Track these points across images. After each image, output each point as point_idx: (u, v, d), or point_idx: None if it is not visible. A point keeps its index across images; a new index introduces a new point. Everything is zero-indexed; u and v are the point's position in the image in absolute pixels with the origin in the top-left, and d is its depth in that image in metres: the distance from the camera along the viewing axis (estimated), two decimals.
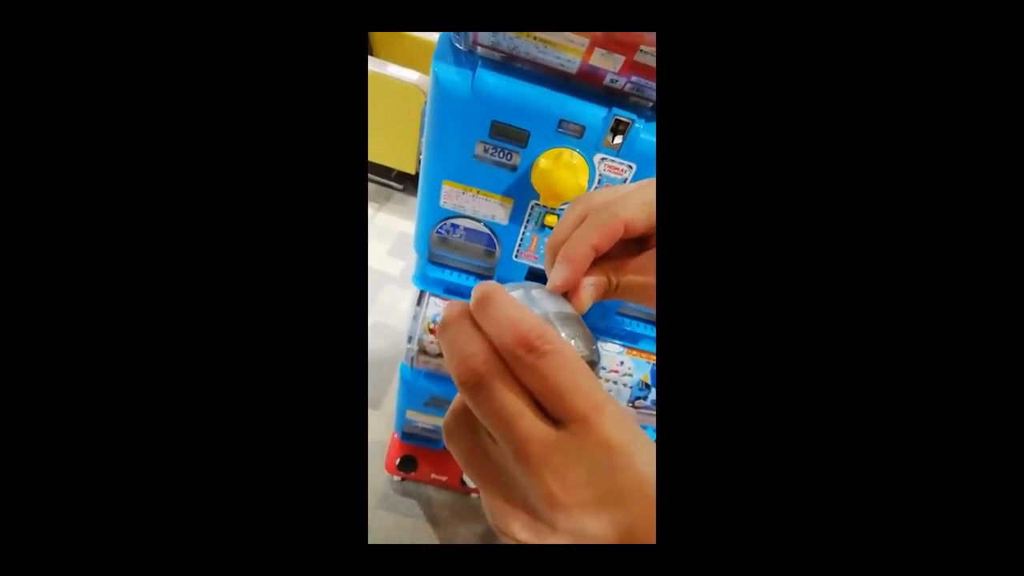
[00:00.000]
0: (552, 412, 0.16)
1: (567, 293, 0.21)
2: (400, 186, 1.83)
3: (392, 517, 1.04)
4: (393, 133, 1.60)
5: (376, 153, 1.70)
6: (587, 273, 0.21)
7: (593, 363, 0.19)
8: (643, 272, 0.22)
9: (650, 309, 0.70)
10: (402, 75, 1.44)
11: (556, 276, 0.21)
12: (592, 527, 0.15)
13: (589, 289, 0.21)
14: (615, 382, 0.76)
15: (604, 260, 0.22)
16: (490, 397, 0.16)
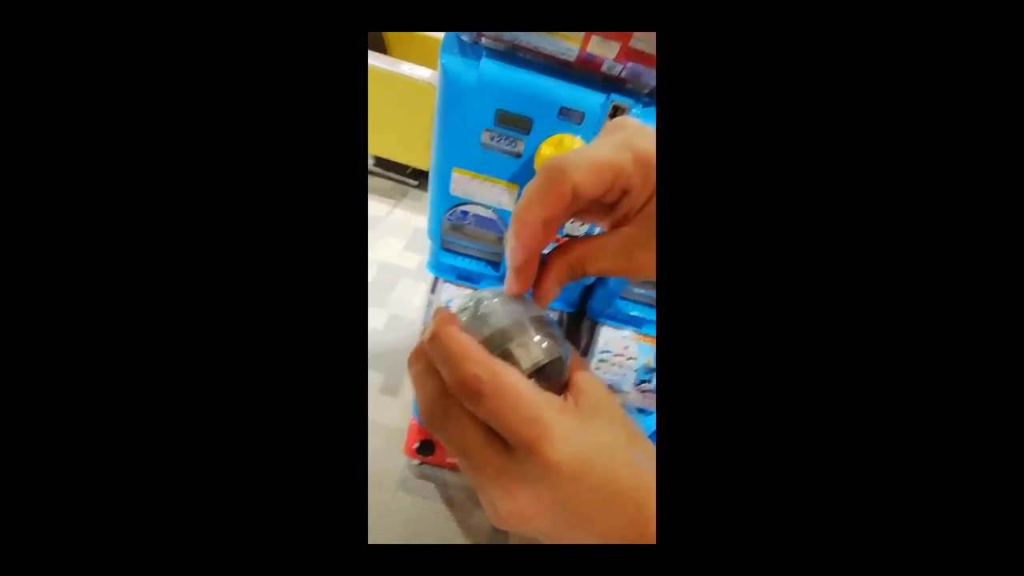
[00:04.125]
0: (503, 437, 0.17)
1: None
2: (415, 182, 1.87)
3: (411, 499, 1.08)
4: (407, 130, 1.64)
5: (391, 150, 1.74)
6: (549, 264, 0.21)
7: (551, 362, 0.19)
8: (610, 254, 0.20)
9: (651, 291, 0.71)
10: (415, 73, 1.48)
11: (509, 285, 0.21)
12: (550, 528, 0.17)
13: (549, 290, 0.21)
14: (620, 366, 0.78)
15: (568, 246, 0.21)
16: (445, 433, 0.18)
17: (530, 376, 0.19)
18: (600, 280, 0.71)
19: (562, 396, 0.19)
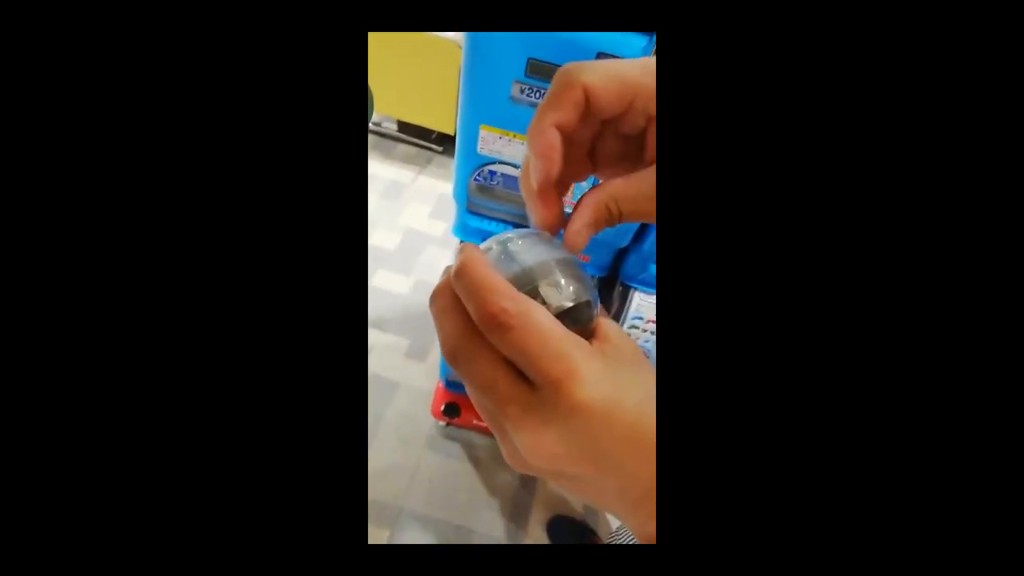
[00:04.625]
0: (528, 376, 0.17)
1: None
2: (440, 148, 1.84)
3: (438, 459, 1.12)
4: (431, 93, 1.60)
5: (415, 114, 1.71)
6: (582, 203, 0.20)
7: (579, 305, 0.19)
8: (645, 192, 0.20)
9: None
10: (439, 31, 1.42)
11: (533, 211, 0.20)
12: (573, 470, 0.17)
13: (582, 231, 0.20)
14: (653, 332, 0.76)
15: (603, 184, 0.20)
16: (467, 370, 0.17)
17: (561, 315, 0.18)
18: (634, 243, 0.69)
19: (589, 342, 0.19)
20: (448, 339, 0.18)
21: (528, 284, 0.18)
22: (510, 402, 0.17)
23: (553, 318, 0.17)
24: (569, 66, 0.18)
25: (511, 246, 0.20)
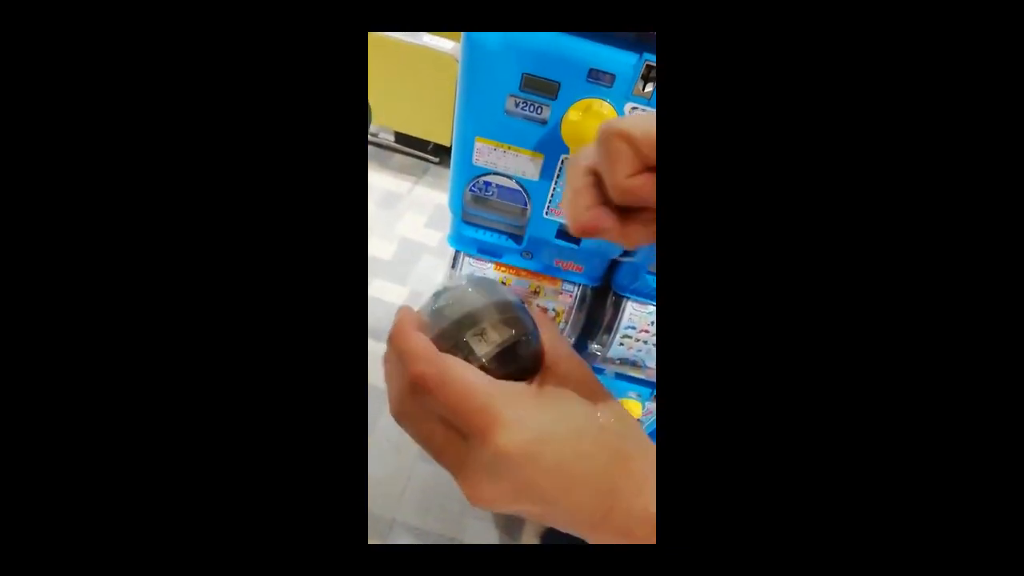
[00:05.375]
0: (458, 428, 0.18)
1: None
2: (436, 159, 1.86)
3: (431, 468, 1.11)
4: (428, 104, 1.62)
5: (411, 125, 1.73)
6: (634, 217, 0.20)
7: (512, 346, 0.19)
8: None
9: None
10: (436, 44, 1.45)
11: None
12: (517, 508, 0.18)
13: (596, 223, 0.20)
14: (645, 342, 0.77)
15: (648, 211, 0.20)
16: (408, 426, 0.19)
17: (490, 362, 0.19)
18: (627, 253, 0.70)
19: (528, 379, 0.20)
20: (392, 400, 0.20)
21: (455, 337, 0.20)
22: (445, 454, 0.19)
23: (474, 371, 0.18)
24: (610, 123, 0.18)
25: (441, 300, 0.21)
